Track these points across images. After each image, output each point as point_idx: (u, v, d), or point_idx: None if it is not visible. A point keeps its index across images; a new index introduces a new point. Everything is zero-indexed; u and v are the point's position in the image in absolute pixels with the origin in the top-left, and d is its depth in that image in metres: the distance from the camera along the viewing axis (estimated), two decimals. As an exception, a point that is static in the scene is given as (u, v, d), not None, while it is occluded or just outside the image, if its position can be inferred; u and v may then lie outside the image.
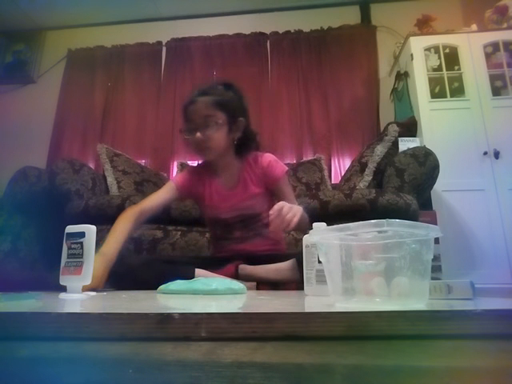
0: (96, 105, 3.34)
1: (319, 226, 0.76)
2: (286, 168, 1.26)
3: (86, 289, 0.77)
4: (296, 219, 0.93)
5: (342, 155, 2.98)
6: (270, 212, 0.93)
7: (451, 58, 2.57)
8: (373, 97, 3.08)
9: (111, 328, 0.35)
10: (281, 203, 0.95)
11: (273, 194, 1.26)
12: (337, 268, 0.51)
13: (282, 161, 1.38)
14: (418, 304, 0.46)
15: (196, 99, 1.17)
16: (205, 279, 0.82)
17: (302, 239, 0.83)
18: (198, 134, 1.14)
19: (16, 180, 1.96)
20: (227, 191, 1.25)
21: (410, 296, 0.47)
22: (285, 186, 1.25)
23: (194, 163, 2.97)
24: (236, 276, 1.07)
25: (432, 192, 2.10)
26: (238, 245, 1.23)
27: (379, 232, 0.47)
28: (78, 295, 0.68)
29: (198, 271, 1.05)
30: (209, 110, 1.15)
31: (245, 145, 1.25)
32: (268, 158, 1.26)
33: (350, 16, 3.32)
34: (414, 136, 2.40)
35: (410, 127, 2.40)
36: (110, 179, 2.11)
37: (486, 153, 2.33)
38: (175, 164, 3.03)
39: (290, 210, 0.94)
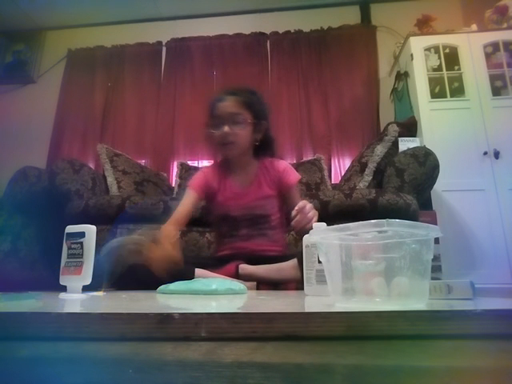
0: (96, 105, 3.34)
1: (319, 226, 0.76)
2: (300, 176, 1.33)
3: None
4: (316, 219, 1.00)
5: (342, 155, 2.98)
6: (296, 208, 0.99)
7: (451, 58, 2.57)
8: (373, 97, 3.08)
9: (111, 328, 0.35)
10: (304, 202, 1.01)
11: (284, 200, 1.30)
12: (337, 268, 0.51)
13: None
14: (418, 304, 0.46)
15: (226, 97, 1.23)
16: (205, 279, 0.82)
17: (302, 239, 0.83)
18: (226, 128, 1.20)
19: (16, 180, 1.95)
20: (241, 189, 1.29)
21: (410, 296, 0.47)
22: (297, 193, 1.30)
23: (194, 163, 2.99)
24: (236, 276, 1.07)
25: (432, 192, 2.10)
26: (241, 242, 1.24)
27: (379, 232, 0.47)
28: (78, 295, 0.68)
29: (197, 271, 1.05)
30: (238, 108, 1.22)
31: (263, 147, 1.32)
32: (284, 164, 1.33)
33: (349, 16, 3.32)
34: (414, 136, 2.40)
35: (410, 127, 2.40)
36: (110, 179, 2.11)
37: (486, 153, 2.33)
38: (175, 164, 3.03)
39: (312, 209, 1.01)
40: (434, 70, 2.58)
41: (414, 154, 1.75)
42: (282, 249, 1.32)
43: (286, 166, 1.32)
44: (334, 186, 2.37)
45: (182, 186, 2.48)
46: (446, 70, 2.54)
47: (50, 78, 3.49)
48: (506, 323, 0.36)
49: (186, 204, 1.26)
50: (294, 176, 1.30)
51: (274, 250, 1.25)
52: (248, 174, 1.30)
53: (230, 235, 1.27)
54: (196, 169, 2.62)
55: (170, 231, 1.14)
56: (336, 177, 2.86)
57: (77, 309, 0.49)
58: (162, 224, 1.70)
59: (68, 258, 0.73)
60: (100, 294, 0.76)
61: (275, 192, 1.28)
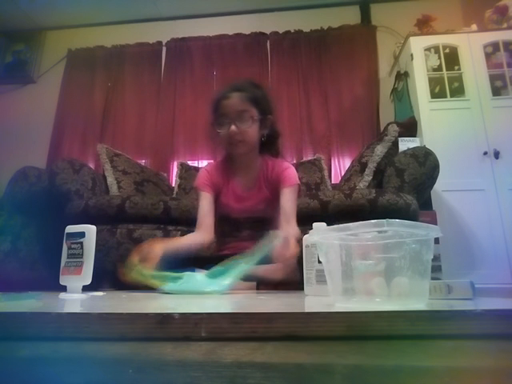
0: (96, 105, 3.34)
1: (319, 226, 0.76)
2: (297, 182, 1.24)
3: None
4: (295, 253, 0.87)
5: (342, 155, 2.99)
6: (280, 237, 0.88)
7: (451, 57, 2.57)
8: (373, 97, 3.08)
9: (111, 328, 0.35)
10: (289, 234, 0.92)
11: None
12: (337, 268, 0.51)
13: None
14: (418, 304, 0.46)
15: (231, 94, 1.19)
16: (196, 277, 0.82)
17: (302, 239, 0.83)
18: (233, 128, 1.16)
19: (16, 180, 1.95)
20: (242, 192, 1.27)
21: (410, 296, 0.47)
22: (289, 196, 1.21)
23: (194, 163, 2.99)
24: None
25: (432, 192, 2.10)
26: (243, 242, 1.23)
27: (379, 232, 0.47)
28: (78, 295, 0.68)
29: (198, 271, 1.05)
30: (244, 105, 1.18)
31: (269, 143, 1.29)
32: (286, 165, 1.29)
33: (349, 16, 3.32)
34: (414, 136, 2.40)
35: (410, 127, 2.41)
36: (110, 179, 2.11)
37: (486, 153, 2.33)
38: (175, 164, 3.03)
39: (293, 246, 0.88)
40: (434, 70, 2.58)
41: (413, 154, 1.75)
42: None
43: (288, 167, 1.27)
44: (334, 186, 2.37)
45: (181, 186, 2.48)
46: (446, 69, 2.54)
47: (50, 78, 3.49)
48: (506, 323, 0.36)
49: (208, 209, 1.23)
50: (292, 178, 1.23)
51: None
52: (251, 175, 1.28)
53: (232, 235, 1.27)
54: (196, 169, 2.62)
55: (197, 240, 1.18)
56: (336, 177, 2.86)
57: (77, 309, 0.49)
58: (162, 224, 1.71)
59: (68, 258, 0.73)
60: (100, 294, 0.76)
61: (274, 193, 1.24)
